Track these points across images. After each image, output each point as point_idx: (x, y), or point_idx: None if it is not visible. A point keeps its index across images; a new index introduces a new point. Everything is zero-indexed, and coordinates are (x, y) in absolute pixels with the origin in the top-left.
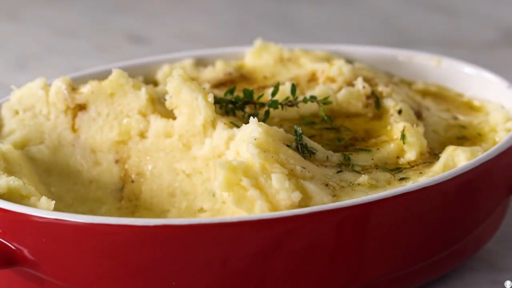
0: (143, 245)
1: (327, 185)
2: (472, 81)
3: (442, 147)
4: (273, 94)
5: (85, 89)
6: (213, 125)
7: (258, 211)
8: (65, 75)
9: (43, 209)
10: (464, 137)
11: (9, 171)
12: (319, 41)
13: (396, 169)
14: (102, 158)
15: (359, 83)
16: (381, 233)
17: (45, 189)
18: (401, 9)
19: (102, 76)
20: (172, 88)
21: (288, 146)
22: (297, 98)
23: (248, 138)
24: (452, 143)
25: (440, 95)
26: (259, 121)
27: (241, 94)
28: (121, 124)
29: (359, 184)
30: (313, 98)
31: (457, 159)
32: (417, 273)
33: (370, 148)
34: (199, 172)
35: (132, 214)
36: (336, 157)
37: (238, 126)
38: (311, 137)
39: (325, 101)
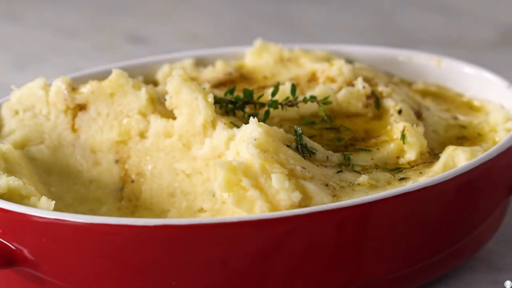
0: (143, 245)
1: (327, 185)
2: (472, 81)
3: (442, 147)
4: (273, 94)
5: (85, 89)
6: (213, 125)
7: (258, 211)
8: (65, 75)
9: (43, 209)
10: (464, 137)
11: (9, 171)
12: (319, 41)
13: (396, 169)
14: (102, 158)
15: (359, 83)
16: (381, 233)
17: (45, 189)
18: (401, 9)
19: (102, 76)
20: (172, 88)
21: (288, 146)
22: (297, 98)
23: (248, 138)
24: (452, 143)
25: (440, 95)
26: (259, 121)
27: (241, 94)
28: (121, 124)
29: (359, 184)
30: (313, 98)
31: (457, 159)
32: (417, 273)
33: (370, 148)
34: (199, 172)
35: (132, 214)
36: (336, 157)
37: (238, 126)
38: (311, 137)
39: (325, 101)
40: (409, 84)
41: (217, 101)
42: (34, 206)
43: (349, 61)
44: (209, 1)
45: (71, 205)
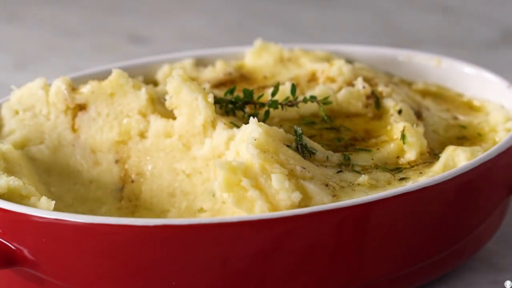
0: (143, 245)
1: (327, 185)
2: (472, 81)
3: (442, 147)
4: (273, 94)
5: (85, 89)
6: (213, 125)
7: (258, 211)
8: (65, 75)
9: (43, 209)
10: (464, 137)
11: (9, 171)
12: (319, 41)
13: (396, 169)
14: (102, 158)
15: (359, 83)
16: (381, 233)
17: (45, 189)
18: (401, 9)
19: (102, 76)
20: (172, 88)
21: (288, 146)
22: (297, 98)
23: (248, 139)
24: (452, 143)
25: (440, 95)
26: (259, 121)
27: (241, 94)
28: (121, 124)
29: (359, 184)
30: (313, 98)
31: (457, 159)
32: (417, 273)
33: (370, 148)
34: (199, 172)
35: (132, 214)
36: (336, 157)
37: (238, 126)
38: (311, 137)
39: (325, 101)
40: (409, 84)
41: (217, 101)
42: (34, 206)
43: (349, 61)
44: (209, 1)
45: (71, 205)
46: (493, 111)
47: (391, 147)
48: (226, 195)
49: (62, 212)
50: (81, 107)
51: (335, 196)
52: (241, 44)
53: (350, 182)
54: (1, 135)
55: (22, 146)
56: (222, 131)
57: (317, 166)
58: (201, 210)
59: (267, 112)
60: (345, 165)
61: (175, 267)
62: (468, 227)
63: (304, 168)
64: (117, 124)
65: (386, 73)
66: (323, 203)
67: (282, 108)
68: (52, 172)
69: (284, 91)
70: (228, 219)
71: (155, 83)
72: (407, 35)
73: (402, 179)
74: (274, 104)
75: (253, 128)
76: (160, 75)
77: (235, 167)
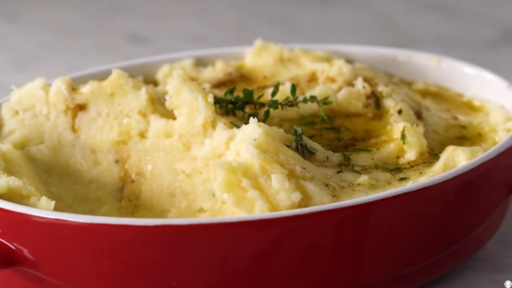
0: (143, 245)
1: (327, 185)
2: (472, 81)
3: (442, 147)
4: (273, 94)
5: (85, 89)
6: (213, 125)
7: (258, 211)
8: (65, 75)
9: (43, 209)
10: (464, 137)
11: (9, 171)
12: (319, 41)
13: (396, 169)
14: (102, 158)
15: (359, 83)
16: (381, 233)
17: (45, 189)
18: (401, 9)
19: (102, 76)
20: (172, 88)
21: (288, 146)
22: (297, 98)
23: (248, 139)
24: (452, 143)
25: (440, 95)
26: (259, 121)
27: (241, 94)
28: (121, 124)
29: (359, 184)
30: (313, 98)
31: (457, 159)
32: (417, 273)
33: (370, 148)
34: (199, 172)
35: (132, 214)
36: (336, 157)
37: (238, 126)
38: (311, 137)
39: (325, 101)
40: (409, 84)
41: (217, 101)
42: (34, 206)
43: (349, 61)
44: (209, 1)
45: (71, 205)
46: (493, 111)
47: (391, 147)
48: (226, 195)
49: (62, 212)
50: (81, 107)
51: (335, 196)
52: (241, 44)
53: (350, 182)
54: (1, 135)
55: (22, 146)
56: (222, 131)
57: (317, 166)
58: (201, 210)
59: (267, 112)
60: (345, 165)
61: (175, 267)
62: (468, 227)
63: (304, 168)
64: (117, 124)
65: (386, 73)
66: (323, 203)
67: (282, 108)
68: (52, 172)
69: (284, 91)
70: (228, 219)
71: (155, 83)
72: (407, 35)
73: (402, 179)
74: (274, 104)
75: (253, 128)
76: (160, 75)
77: (235, 167)
